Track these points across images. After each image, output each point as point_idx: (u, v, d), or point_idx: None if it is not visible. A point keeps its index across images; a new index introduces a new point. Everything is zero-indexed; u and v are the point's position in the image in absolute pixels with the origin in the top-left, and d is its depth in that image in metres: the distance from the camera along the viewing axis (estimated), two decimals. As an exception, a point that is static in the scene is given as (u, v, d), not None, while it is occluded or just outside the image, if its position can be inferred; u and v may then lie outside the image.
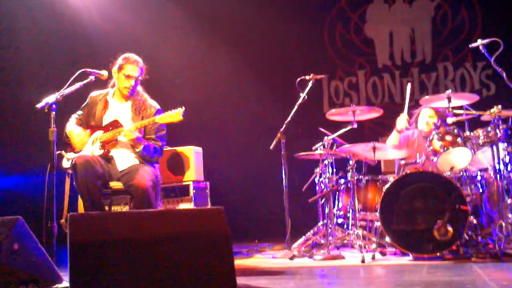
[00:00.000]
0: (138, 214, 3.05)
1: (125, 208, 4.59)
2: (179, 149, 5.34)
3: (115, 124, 4.30)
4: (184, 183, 5.19)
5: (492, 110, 4.48)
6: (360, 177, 4.92)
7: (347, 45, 7.95)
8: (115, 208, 4.58)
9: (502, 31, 5.68)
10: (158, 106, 4.41)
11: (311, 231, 4.99)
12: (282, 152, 5.03)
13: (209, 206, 5.21)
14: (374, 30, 7.97)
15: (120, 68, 4.35)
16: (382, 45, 7.92)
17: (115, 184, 4.23)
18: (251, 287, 3.40)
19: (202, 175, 5.44)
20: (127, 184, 4.08)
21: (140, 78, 4.37)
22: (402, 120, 5.33)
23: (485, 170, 4.70)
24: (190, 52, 7.51)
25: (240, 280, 3.44)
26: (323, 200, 5.07)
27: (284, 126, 5.07)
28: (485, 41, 4.74)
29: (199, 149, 5.46)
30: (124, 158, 4.25)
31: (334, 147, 5.04)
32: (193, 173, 5.25)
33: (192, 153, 5.30)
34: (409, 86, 5.48)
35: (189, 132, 5.94)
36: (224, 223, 2.88)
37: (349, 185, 4.89)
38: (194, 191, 5.17)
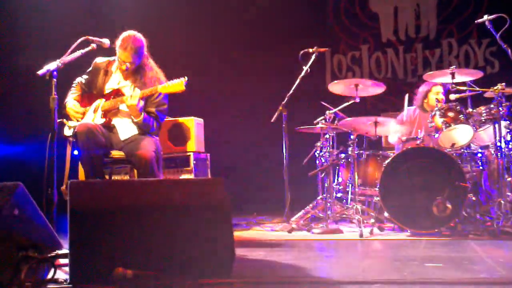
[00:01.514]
0: (138, 183, 3.06)
1: (126, 178, 4.60)
2: (180, 119, 5.32)
3: (117, 93, 4.28)
4: (185, 154, 5.19)
5: (495, 87, 4.46)
6: (361, 152, 4.92)
7: (352, 19, 7.86)
8: (116, 177, 4.59)
9: (509, 7, 5.61)
10: (163, 79, 4.33)
11: (310, 204, 5.00)
12: (283, 125, 5.02)
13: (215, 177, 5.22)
14: (379, 4, 7.87)
15: (118, 48, 4.29)
16: (387, 20, 7.83)
17: (117, 153, 4.23)
18: (249, 258, 3.43)
19: (203, 146, 5.44)
20: (130, 153, 4.08)
21: (135, 62, 4.30)
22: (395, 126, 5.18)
23: (486, 147, 4.69)
24: (193, 22, 7.43)
25: (239, 251, 3.46)
26: (323, 174, 5.08)
27: (286, 99, 5.05)
28: (491, 16, 4.69)
29: (200, 120, 5.45)
30: (126, 128, 4.24)
31: (336, 121, 5.02)
32: (194, 144, 5.24)
33: (193, 124, 5.29)
34: (406, 97, 5.39)
35: (190, 103, 5.91)
36: (225, 193, 2.88)
37: (349, 160, 4.89)
38: (194, 162, 5.17)
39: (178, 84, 4.06)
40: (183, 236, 2.76)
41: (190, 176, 5.06)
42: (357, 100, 4.93)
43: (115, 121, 4.25)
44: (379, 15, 7.87)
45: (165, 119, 4.57)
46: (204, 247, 2.75)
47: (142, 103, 4.17)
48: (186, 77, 4.06)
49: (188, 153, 5.18)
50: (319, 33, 7.58)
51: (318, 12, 7.84)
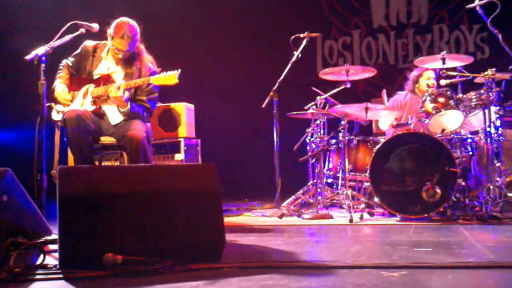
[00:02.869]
0: (128, 168, 3.04)
1: (116, 164, 4.58)
2: (171, 105, 5.30)
3: (107, 79, 4.24)
4: (175, 140, 5.18)
5: (486, 73, 4.47)
6: (351, 137, 4.93)
7: (343, 4, 7.84)
8: (106, 163, 4.57)
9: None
10: (155, 69, 4.30)
11: (301, 190, 5.02)
12: (274, 111, 5.01)
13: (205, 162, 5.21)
14: (370, -11, 7.85)
15: (112, 37, 4.24)
16: (378, 5, 7.82)
17: (106, 139, 4.21)
18: (239, 244, 3.44)
19: (194, 132, 5.42)
20: (121, 136, 4.05)
21: (130, 50, 4.26)
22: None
23: (476, 133, 4.71)
24: (185, 9, 7.37)
25: (229, 237, 3.48)
26: (313, 160, 5.09)
27: (276, 84, 5.04)
28: (482, 1, 4.68)
29: (191, 106, 5.43)
30: (116, 114, 4.21)
31: (327, 107, 5.02)
32: (184, 130, 5.23)
33: (184, 110, 5.27)
34: (384, 92, 5.37)
35: (181, 89, 5.86)
36: (215, 179, 2.88)
37: (340, 146, 4.90)
38: (185, 148, 5.16)
39: (171, 77, 4.01)
40: (173, 221, 2.75)
41: (181, 162, 5.05)
42: (348, 85, 4.93)
43: (105, 107, 4.22)
44: (370, 0, 7.85)
45: (157, 105, 4.54)
46: (194, 232, 2.74)
47: (127, 94, 4.12)
48: (179, 69, 4.01)
49: (179, 139, 5.17)
50: (310, 19, 7.56)
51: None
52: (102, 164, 4.56)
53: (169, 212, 2.76)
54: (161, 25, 7.05)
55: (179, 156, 5.09)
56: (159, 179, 2.85)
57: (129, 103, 4.12)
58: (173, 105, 5.30)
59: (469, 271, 2.57)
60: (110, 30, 4.24)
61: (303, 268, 2.69)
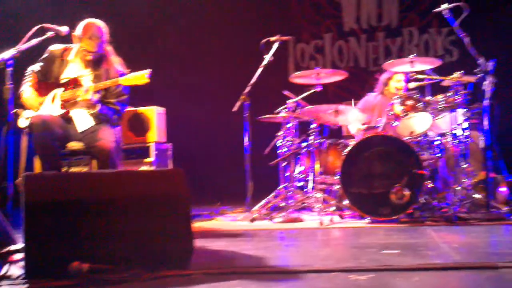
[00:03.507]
0: (95, 175, 3.01)
1: (85, 169, 4.52)
2: (141, 109, 5.26)
3: (75, 82, 4.19)
4: (145, 145, 5.14)
5: (452, 76, 4.55)
6: (322, 140, 4.96)
7: (315, 7, 7.89)
8: (74, 169, 4.51)
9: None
10: (124, 70, 4.26)
11: (272, 194, 5.03)
12: (245, 115, 5.01)
13: (175, 168, 5.19)
14: (342, -8, 7.91)
15: (80, 38, 4.21)
16: (349, 9, 7.89)
17: (75, 145, 4.16)
18: (209, 249, 3.43)
19: (164, 136, 5.39)
20: (90, 144, 4.02)
21: (98, 51, 4.23)
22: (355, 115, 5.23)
23: (444, 135, 4.78)
24: (155, 11, 7.33)
25: (199, 242, 3.45)
26: (284, 163, 5.10)
27: (248, 88, 5.04)
28: (450, 5, 4.75)
29: (162, 110, 5.39)
30: (84, 119, 4.16)
31: (297, 110, 5.04)
32: (155, 134, 5.19)
33: (154, 114, 5.23)
34: (352, 102, 5.43)
35: (153, 93, 5.84)
36: (183, 185, 2.86)
37: (310, 149, 4.93)
38: (155, 152, 5.12)
39: (140, 77, 4.00)
40: (141, 228, 2.73)
41: (151, 167, 5.02)
42: (319, 89, 4.97)
43: (73, 112, 4.16)
44: (341, 3, 7.91)
45: (127, 108, 4.51)
46: (162, 239, 2.73)
47: (97, 96, 4.09)
48: (148, 70, 4.00)
49: (149, 144, 5.13)
50: (282, 22, 7.59)
51: (282, 0, 7.83)
52: (72, 169, 4.50)
53: (136, 219, 2.74)
54: (132, 27, 7.00)
55: (149, 161, 5.05)
56: (126, 186, 2.82)
57: (97, 105, 4.09)
58: (144, 109, 5.25)
59: (435, 273, 2.61)
60: (77, 32, 4.21)
61: (272, 273, 2.70)
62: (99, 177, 2.89)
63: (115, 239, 2.69)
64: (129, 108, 5.03)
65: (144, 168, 5.02)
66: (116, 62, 4.31)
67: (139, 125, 5.21)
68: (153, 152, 5.09)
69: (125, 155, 4.98)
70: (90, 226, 2.66)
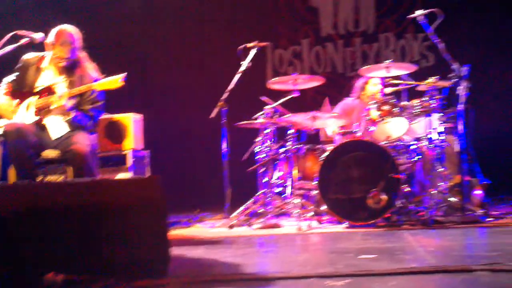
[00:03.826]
0: (68, 184, 2.99)
1: (61, 178, 4.48)
2: (117, 116, 5.21)
3: (49, 90, 4.16)
4: (122, 152, 5.09)
5: (427, 81, 4.61)
6: (300, 146, 4.97)
7: (292, 13, 7.92)
8: (50, 178, 4.46)
9: (444, 2, 5.79)
10: (98, 76, 4.24)
11: (251, 200, 5.02)
12: (223, 121, 5.00)
13: (151, 175, 5.16)
14: (319, -2, 7.96)
15: (52, 45, 4.19)
16: (327, 14, 7.93)
17: (51, 153, 4.12)
18: (187, 257, 3.41)
19: (142, 144, 5.35)
20: (65, 150, 3.98)
21: (71, 58, 4.21)
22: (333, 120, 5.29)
23: (419, 139, 4.83)
24: (130, 16, 7.29)
25: (177, 250, 3.44)
26: (262, 169, 5.10)
27: (225, 94, 5.04)
28: (424, 12, 4.81)
29: (139, 117, 5.35)
30: (58, 126, 4.12)
31: (275, 116, 5.05)
32: (131, 142, 5.14)
33: (131, 121, 5.18)
34: (327, 99, 5.48)
35: (131, 99, 5.81)
36: (159, 193, 2.83)
37: (288, 154, 4.94)
38: (132, 160, 5.08)
39: (114, 81, 3.99)
40: (117, 237, 2.70)
41: (128, 175, 4.97)
42: (296, 95, 4.99)
43: (47, 120, 4.12)
44: (319, 9, 7.96)
45: (103, 116, 4.48)
46: (138, 248, 2.70)
47: (71, 102, 4.06)
48: (123, 73, 3.98)
49: (125, 151, 5.08)
50: (260, 27, 7.59)
51: (259, 6, 7.85)
52: (47, 178, 4.45)
53: (112, 228, 2.71)
54: (109, 33, 6.95)
55: (126, 169, 5.00)
56: (102, 194, 2.80)
57: (72, 112, 4.06)
58: (120, 116, 5.20)
59: (411, 277, 2.63)
60: (50, 39, 4.19)
61: (249, 280, 2.69)
62: (73, 186, 2.87)
63: (90, 249, 2.66)
64: (105, 116, 4.99)
65: (121, 176, 4.97)
66: (90, 68, 4.30)
67: (115, 133, 5.15)
68: (130, 159, 5.05)
69: (102, 163, 4.92)
70: (64, 236, 2.63)
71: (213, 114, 5.00)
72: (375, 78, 5.39)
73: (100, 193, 2.80)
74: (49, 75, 4.25)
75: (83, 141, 3.95)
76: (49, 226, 2.62)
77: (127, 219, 2.73)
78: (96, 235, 2.69)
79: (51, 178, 4.43)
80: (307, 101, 7.11)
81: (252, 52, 5.16)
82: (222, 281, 2.65)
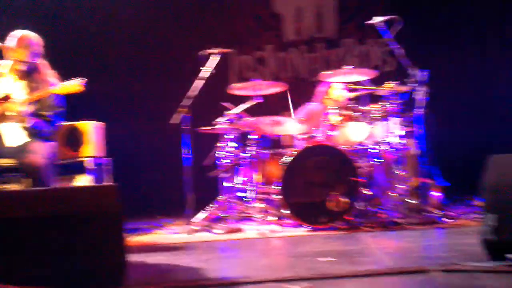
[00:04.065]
0: (24, 192, 2.93)
1: (18, 187, 4.38)
2: (77, 123, 5.12)
3: (6, 98, 4.09)
4: (81, 160, 5.00)
5: (386, 85, 4.69)
6: (261, 151, 4.99)
7: (256, 19, 7.95)
8: (7, 187, 4.36)
9: (406, 8, 5.90)
10: (57, 82, 4.20)
11: (213, 205, 5.01)
12: (185, 126, 4.98)
13: (108, 183, 5.09)
14: (281, 5, 8.01)
15: (12, 49, 4.15)
16: (290, 20, 7.99)
17: (6, 161, 4.04)
18: (147, 264, 3.39)
19: (103, 151, 5.27)
20: (20, 161, 3.91)
21: (30, 62, 4.17)
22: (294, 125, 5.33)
23: (379, 143, 4.90)
24: (90, 21, 7.19)
25: (138, 257, 3.42)
26: (224, 174, 5.09)
27: (187, 100, 5.02)
28: (383, 18, 4.90)
29: (99, 124, 5.28)
30: (15, 133, 4.04)
31: (237, 121, 5.05)
32: (92, 149, 5.06)
33: (91, 128, 5.11)
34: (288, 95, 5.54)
35: (93, 106, 5.72)
36: (116, 201, 2.80)
37: (250, 159, 4.95)
38: (93, 167, 4.99)
39: (73, 85, 3.96)
40: (72, 246, 2.67)
41: (88, 182, 4.89)
42: (257, 101, 5.01)
43: (3, 126, 4.04)
44: (282, 15, 8.01)
45: (62, 123, 4.42)
46: (94, 256, 2.68)
47: (30, 108, 4.00)
48: (82, 78, 3.95)
49: (85, 159, 5.00)
50: (223, 34, 7.59)
51: (223, 12, 7.85)
52: (4, 187, 4.36)
53: (67, 237, 2.69)
54: (69, 41, 6.85)
55: (86, 177, 4.92)
56: (57, 203, 2.76)
57: (30, 118, 3.99)
58: (80, 123, 5.12)
59: (368, 279, 2.67)
60: (10, 44, 4.14)
61: (208, 286, 2.69)
62: (28, 195, 2.82)
63: (45, 258, 2.62)
64: (65, 123, 4.90)
65: (80, 183, 4.89)
66: (50, 74, 4.25)
67: (75, 140, 5.05)
68: (89, 167, 4.97)
69: (61, 170, 4.83)
70: (17, 246, 2.58)
71: (174, 120, 4.97)
72: (338, 84, 5.45)
73: (56, 202, 2.77)
74: (8, 81, 4.19)
75: (39, 151, 3.89)
76: (2, 236, 2.57)
77: (83, 228, 2.70)
78: (52, 244, 2.66)
79: (6, 187, 4.33)
80: (270, 107, 7.14)
81: (215, 58, 5.15)
82: (182, 287, 2.64)
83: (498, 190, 2.79)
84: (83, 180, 4.90)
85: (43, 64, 4.28)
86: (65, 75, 4.27)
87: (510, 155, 2.90)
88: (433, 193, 4.68)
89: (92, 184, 4.85)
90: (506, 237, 2.70)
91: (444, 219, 4.39)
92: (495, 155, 2.89)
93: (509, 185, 2.77)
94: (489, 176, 2.84)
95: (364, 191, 4.47)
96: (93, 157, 5.06)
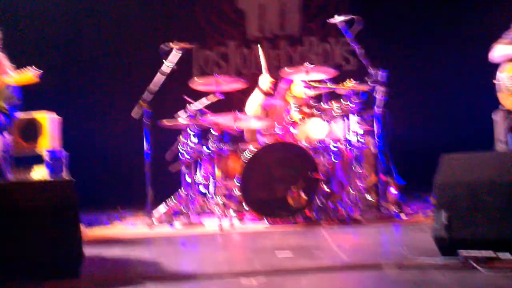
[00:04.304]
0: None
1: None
2: (33, 115, 5.01)
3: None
4: (37, 152, 4.89)
5: (345, 84, 4.75)
6: (223, 146, 4.99)
7: (219, 15, 7.92)
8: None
9: (368, 9, 5.99)
10: (11, 71, 4.12)
11: (173, 199, 4.98)
12: (145, 120, 4.94)
13: (65, 176, 5.00)
14: (245, 1, 8.01)
15: None
16: (253, 17, 8.00)
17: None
18: (104, 257, 3.35)
19: (59, 144, 5.17)
20: None
21: None
22: (266, 80, 5.50)
23: (339, 140, 4.96)
24: (51, 13, 7.04)
25: (94, 250, 3.38)
26: (185, 168, 5.07)
27: (147, 93, 4.97)
28: (344, 18, 4.95)
29: (55, 116, 5.17)
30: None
31: (198, 116, 5.03)
32: (48, 141, 4.95)
33: (47, 120, 5.00)
34: (259, 48, 5.61)
35: (49, 99, 5.61)
36: (72, 195, 2.79)
37: (211, 154, 4.94)
38: (48, 160, 4.89)
39: (27, 76, 3.89)
40: (27, 239, 2.65)
41: (44, 175, 4.79)
42: (219, 97, 5.00)
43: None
44: (245, 12, 8.01)
45: (19, 115, 4.32)
46: (49, 249, 2.65)
47: None
48: (37, 69, 3.88)
49: (41, 151, 4.89)
50: (185, 28, 7.53)
51: (186, 7, 7.80)
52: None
53: (22, 230, 2.67)
54: (28, 33, 6.69)
55: (41, 169, 4.82)
56: (12, 196, 2.74)
57: None
58: (35, 115, 5.00)
59: (323, 274, 2.71)
60: None
61: (165, 280, 2.68)
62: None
63: (1, 251, 2.58)
64: (21, 114, 4.79)
65: (36, 176, 4.79)
66: (8, 66, 4.16)
67: (31, 132, 4.94)
68: (46, 159, 4.86)
69: (16, 163, 4.71)
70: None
71: (134, 113, 4.91)
72: (298, 82, 5.49)
73: (10, 195, 2.74)
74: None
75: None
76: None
77: (38, 221, 2.68)
78: (6, 237, 2.62)
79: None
80: (231, 102, 7.14)
81: (177, 53, 5.11)
82: (138, 281, 2.62)
83: (448, 188, 2.87)
84: (39, 173, 4.80)
85: (0, 56, 4.18)
86: (22, 67, 4.18)
87: (461, 154, 2.99)
88: (391, 190, 4.78)
89: (48, 177, 4.76)
90: (456, 234, 2.78)
91: (401, 215, 4.49)
92: (446, 154, 2.97)
93: (459, 183, 2.85)
94: (441, 175, 2.92)
95: (323, 188, 4.53)
96: (50, 149, 4.95)
